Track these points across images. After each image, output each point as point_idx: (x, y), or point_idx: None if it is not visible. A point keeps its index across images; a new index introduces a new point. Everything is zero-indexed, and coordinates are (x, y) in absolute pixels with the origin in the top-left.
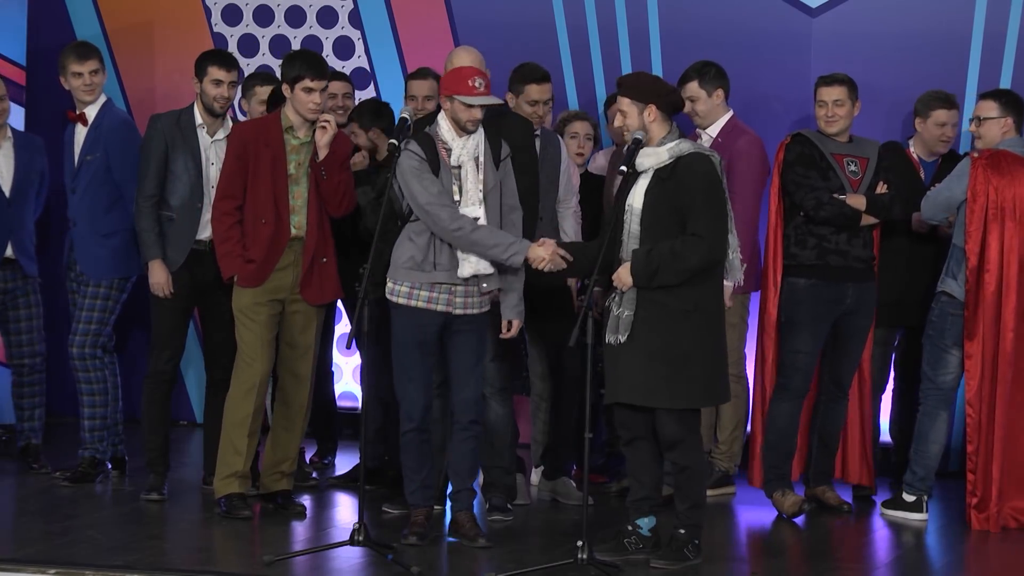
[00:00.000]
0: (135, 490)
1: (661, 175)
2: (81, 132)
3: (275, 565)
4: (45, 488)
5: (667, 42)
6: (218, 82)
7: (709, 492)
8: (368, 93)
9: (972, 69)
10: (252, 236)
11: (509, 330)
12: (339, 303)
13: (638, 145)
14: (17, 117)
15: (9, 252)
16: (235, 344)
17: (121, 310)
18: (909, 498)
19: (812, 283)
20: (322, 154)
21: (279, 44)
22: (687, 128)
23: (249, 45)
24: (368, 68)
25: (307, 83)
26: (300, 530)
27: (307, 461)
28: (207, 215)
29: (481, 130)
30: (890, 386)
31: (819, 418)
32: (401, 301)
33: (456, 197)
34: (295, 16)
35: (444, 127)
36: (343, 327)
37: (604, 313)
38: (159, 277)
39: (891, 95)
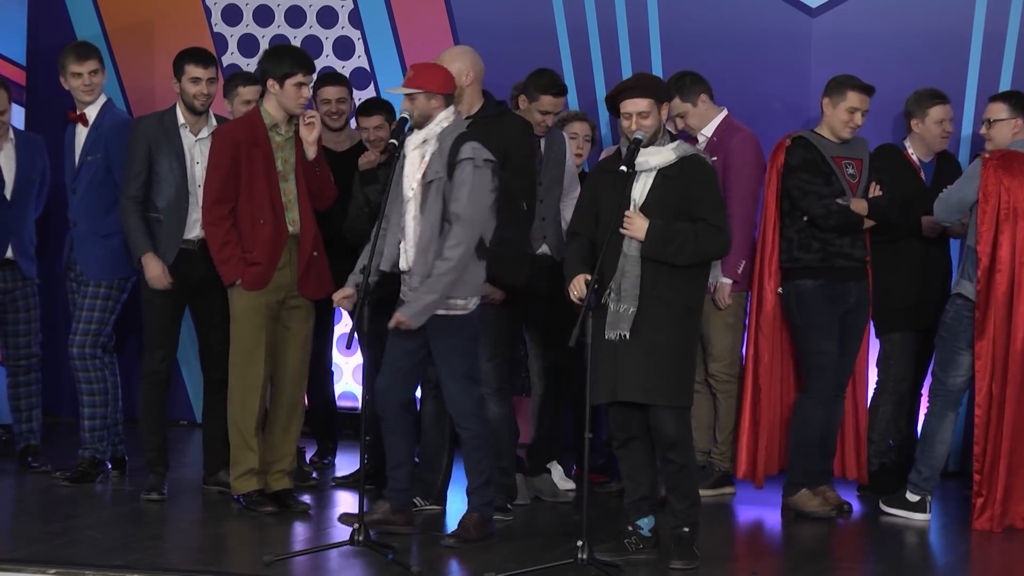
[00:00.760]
0: (135, 490)
1: (666, 173)
2: (82, 132)
3: (275, 565)
4: (45, 488)
5: (667, 42)
6: (196, 80)
7: (709, 492)
8: (368, 93)
9: (972, 69)
10: (251, 238)
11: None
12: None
13: (638, 145)
14: (17, 117)
15: (9, 253)
16: (229, 343)
17: (121, 310)
18: (913, 498)
19: (820, 284)
20: (312, 152)
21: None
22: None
23: (249, 45)
24: (368, 68)
25: (300, 78)
26: (300, 530)
27: (307, 461)
28: (194, 214)
29: (436, 129)
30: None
31: None
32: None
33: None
34: (295, 16)
35: None
36: (343, 327)
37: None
38: (155, 271)
39: (891, 95)
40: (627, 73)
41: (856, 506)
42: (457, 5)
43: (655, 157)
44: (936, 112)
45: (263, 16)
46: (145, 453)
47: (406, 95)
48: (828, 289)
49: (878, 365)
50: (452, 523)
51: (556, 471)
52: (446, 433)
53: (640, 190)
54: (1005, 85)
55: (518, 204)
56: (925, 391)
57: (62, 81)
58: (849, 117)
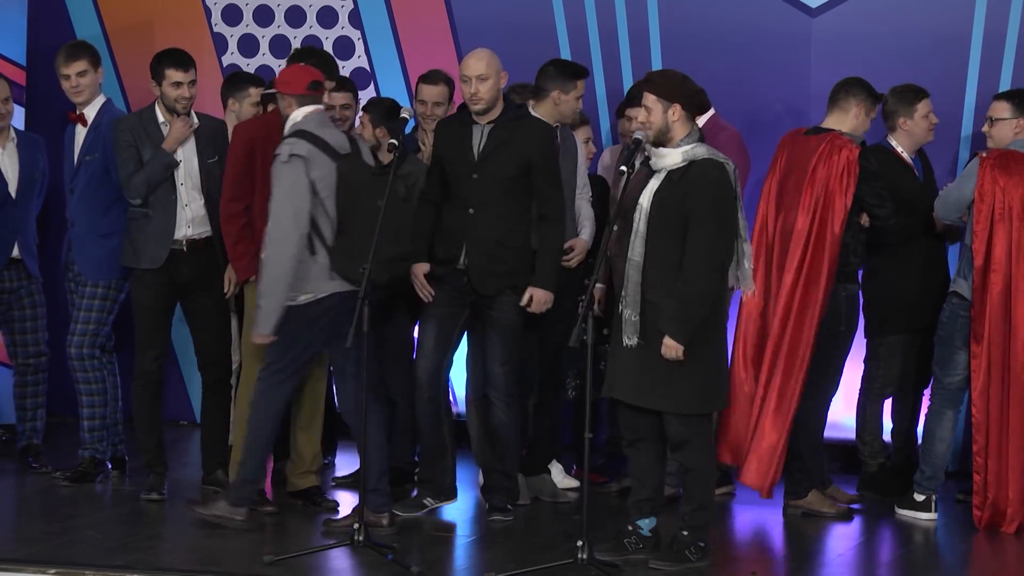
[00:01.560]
0: (135, 490)
1: (672, 176)
2: (81, 132)
3: (275, 565)
4: (45, 488)
5: (667, 42)
6: (177, 84)
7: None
8: (368, 93)
9: (972, 69)
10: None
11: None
12: None
13: (638, 145)
14: (17, 117)
15: (15, 252)
16: (224, 342)
17: (120, 310)
18: (919, 497)
19: (855, 288)
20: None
21: (279, 44)
22: None
23: (249, 45)
24: (368, 68)
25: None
26: (300, 530)
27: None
28: (181, 213)
29: (289, 128)
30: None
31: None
32: None
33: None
34: (295, 16)
35: None
36: None
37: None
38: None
39: None
40: (627, 73)
41: (855, 506)
42: (457, 5)
43: (664, 159)
44: (923, 107)
45: (263, 16)
46: (142, 454)
47: None
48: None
49: (865, 364)
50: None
51: (556, 471)
52: (448, 432)
53: (648, 193)
54: (1005, 85)
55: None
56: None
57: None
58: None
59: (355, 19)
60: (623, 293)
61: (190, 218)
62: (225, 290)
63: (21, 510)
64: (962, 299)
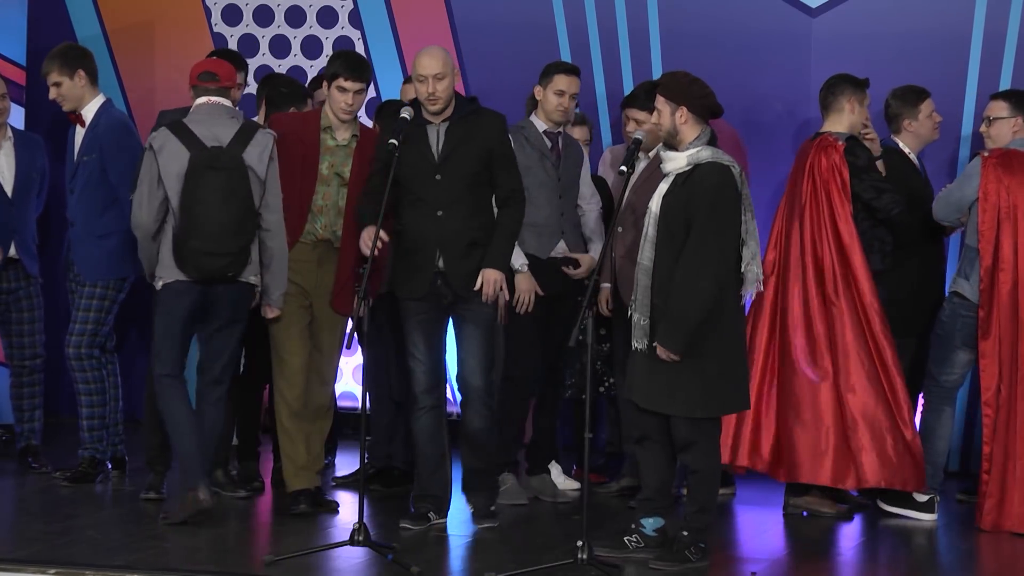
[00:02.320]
0: (135, 490)
1: (678, 180)
2: (80, 133)
3: (275, 565)
4: (45, 488)
5: (667, 42)
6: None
7: None
8: (368, 93)
9: (972, 69)
10: None
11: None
12: None
13: (638, 145)
14: (17, 117)
15: (13, 252)
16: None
17: (119, 311)
18: (921, 498)
19: (882, 289)
20: None
21: (279, 44)
22: None
23: (249, 45)
24: None
25: (341, 82)
26: (300, 530)
27: None
28: None
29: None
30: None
31: None
32: None
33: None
34: (295, 16)
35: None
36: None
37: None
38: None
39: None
40: (627, 73)
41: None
42: (457, 5)
43: (670, 163)
44: (926, 107)
45: (263, 16)
46: (145, 452)
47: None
48: (885, 295)
49: None
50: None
51: (556, 471)
52: (446, 442)
53: (657, 197)
54: (1005, 85)
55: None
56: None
57: None
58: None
59: (355, 19)
60: (632, 297)
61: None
62: None
63: (21, 510)
64: (963, 299)
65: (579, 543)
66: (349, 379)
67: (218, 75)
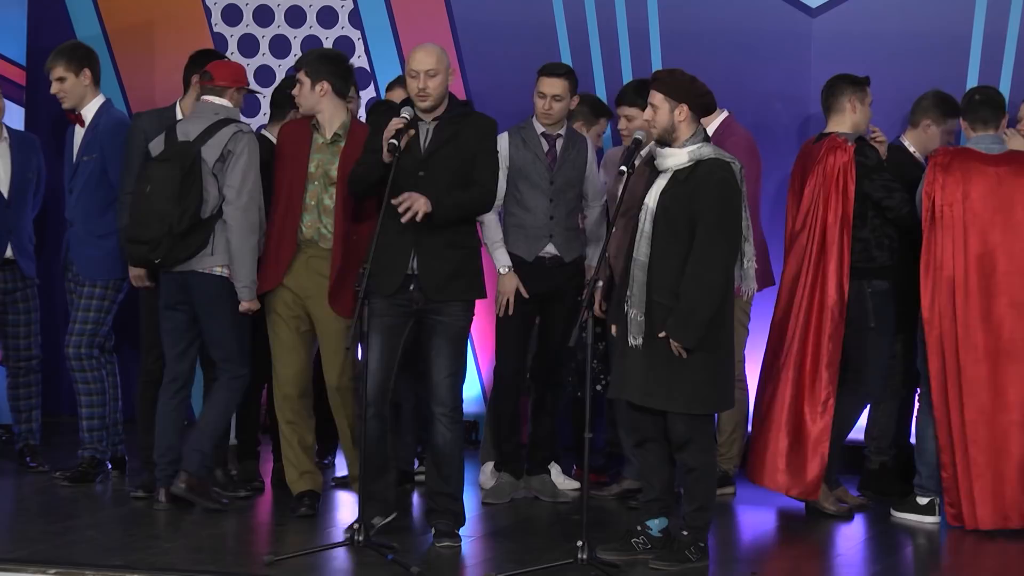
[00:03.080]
0: (135, 490)
1: (678, 176)
2: (80, 132)
3: (275, 565)
4: (45, 488)
5: (667, 42)
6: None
7: None
8: (368, 93)
9: (972, 69)
10: (268, 234)
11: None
12: None
13: (638, 145)
14: (17, 117)
15: (8, 253)
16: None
17: (118, 310)
18: (922, 500)
19: (891, 284)
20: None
21: (279, 44)
22: None
23: (249, 45)
24: (368, 68)
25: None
26: (300, 530)
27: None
28: None
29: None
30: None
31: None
32: None
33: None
34: (295, 16)
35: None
36: None
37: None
38: (137, 270)
39: (891, 95)
40: (627, 73)
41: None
42: (457, 5)
43: (670, 159)
44: (952, 124)
45: (263, 16)
46: (141, 451)
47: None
48: (895, 290)
49: None
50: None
51: (555, 472)
52: (391, 448)
53: (654, 193)
54: (1005, 85)
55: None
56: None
57: None
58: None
59: (355, 19)
60: (628, 293)
61: None
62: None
63: (21, 510)
64: None
65: (579, 543)
66: None
67: (212, 75)
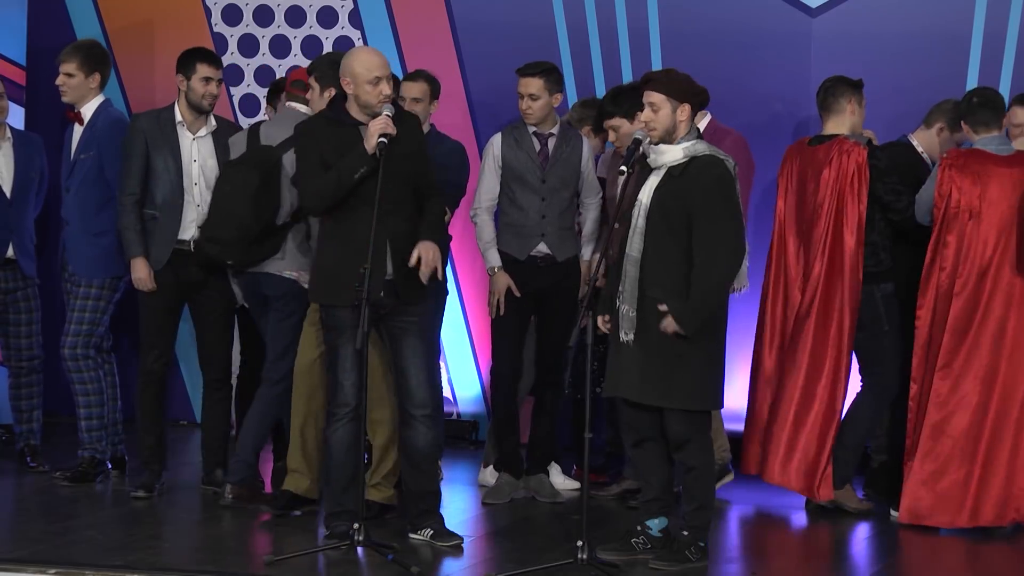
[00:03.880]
0: (135, 490)
1: (673, 172)
2: (78, 131)
3: (275, 565)
4: (45, 488)
5: (667, 42)
6: (207, 79)
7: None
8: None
9: (972, 69)
10: None
11: None
12: None
13: (638, 145)
14: (17, 117)
15: (10, 253)
16: (226, 342)
17: (115, 310)
18: None
19: (895, 285)
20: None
21: (279, 44)
22: None
23: (249, 45)
24: None
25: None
26: (300, 530)
27: None
28: (190, 214)
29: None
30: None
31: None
32: None
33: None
34: (295, 16)
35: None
36: None
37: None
38: (141, 272)
39: (891, 95)
40: (627, 73)
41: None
42: (457, 5)
43: (665, 155)
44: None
45: (263, 16)
46: (140, 451)
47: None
48: (901, 292)
49: None
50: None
51: (555, 472)
52: (361, 456)
53: (648, 190)
54: (1005, 85)
55: None
56: None
57: None
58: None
59: (355, 19)
60: (620, 289)
61: (200, 218)
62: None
63: (21, 510)
64: None
65: (579, 543)
66: None
67: (305, 84)
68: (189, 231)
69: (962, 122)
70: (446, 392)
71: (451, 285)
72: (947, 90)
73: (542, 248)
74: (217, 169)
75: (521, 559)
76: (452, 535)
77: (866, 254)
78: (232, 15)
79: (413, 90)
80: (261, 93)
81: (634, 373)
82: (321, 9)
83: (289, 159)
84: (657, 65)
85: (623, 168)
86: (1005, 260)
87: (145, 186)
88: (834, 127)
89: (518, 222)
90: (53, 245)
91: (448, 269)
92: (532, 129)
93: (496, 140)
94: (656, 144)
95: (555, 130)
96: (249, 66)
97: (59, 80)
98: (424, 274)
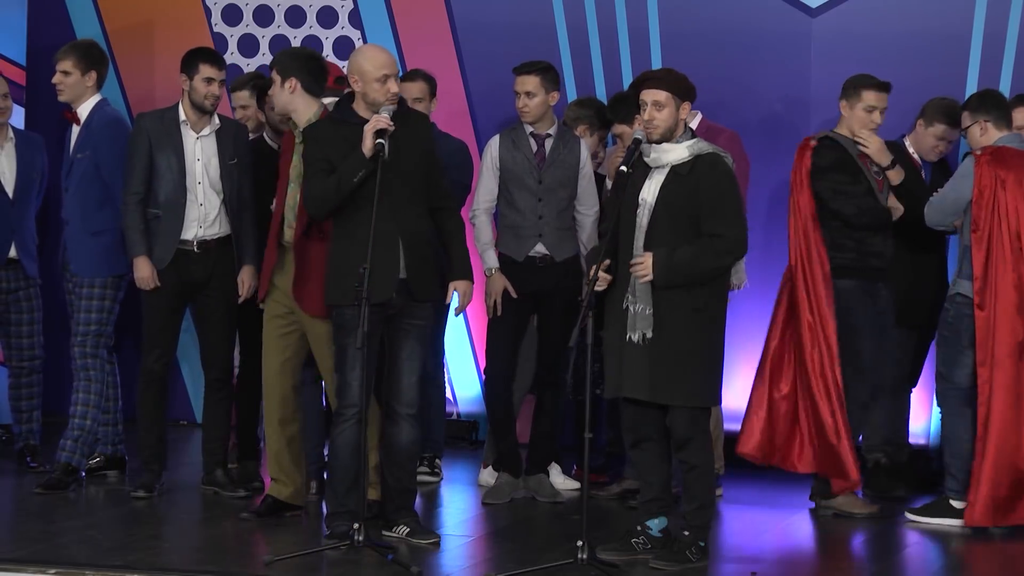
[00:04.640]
0: (135, 490)
1: (679, 171)
2: (76, 131)
3: (275, 565)
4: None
5: (667, 42)
6: (209, 80)
7: None
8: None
9: (972, 69)
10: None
11: None
12: None
13: (638, 144)
14: (17, 117)
15: (12, 253)
16: (227, 342)
17: (120, 309)
18: (958, 504)
19: (855, 283)
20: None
21: (279, 44)
22: None
23: (249, 45)
24: None
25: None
26: (300, 530)
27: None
28: (193, 213)
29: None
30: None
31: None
32: None
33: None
34: (295, 16)
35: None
36: None
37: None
38: (144, 271)
39: (892, 95)
40: (627, 73)
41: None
42: (457, 5)
43: (668, 154)
44: (938, 130)
45: (263, 16)
46: (140, 451)
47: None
48: (863, 288)
49: None
50: None
51: (555, 472)
52: (364, 457)
53: (652, 189)
54: (1005, 85)
55: None
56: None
57: None
58: (867, 116)
59: (355, 19)
60: (629, 290)
61: (202, 218)
62: (240, 292)
63: (21, 510)
64: (967, 298)
65: (579, 543)
66: None
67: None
68: (192, 230)
69: (983, 119)
70: (446, 392)
71: None
72: (947, 90)
73: (540, 248)
74: (220, 168)
75: (521, 559)
76: (429, 532)
77: (848, 248)
78: (232, 15)
79: (413, 90)
80: None
81: (642, 372)
82: (321, 9)
83: None
84: (657, 65)
85: (623, 168)
86: None
87: (149, 185)
88: (836, 127)
89: (516, 223)
90: (53, 245)
91: None
92: (530, 130)
93: (494, 142)
94: (657, 143)
95: (552, 130)
96: (249, 66)
97: (55, 78)
98: (458, 310)
